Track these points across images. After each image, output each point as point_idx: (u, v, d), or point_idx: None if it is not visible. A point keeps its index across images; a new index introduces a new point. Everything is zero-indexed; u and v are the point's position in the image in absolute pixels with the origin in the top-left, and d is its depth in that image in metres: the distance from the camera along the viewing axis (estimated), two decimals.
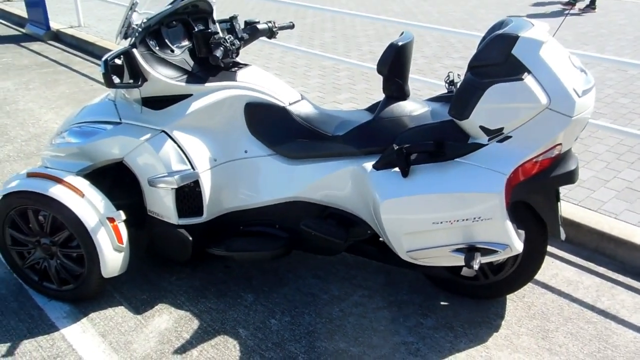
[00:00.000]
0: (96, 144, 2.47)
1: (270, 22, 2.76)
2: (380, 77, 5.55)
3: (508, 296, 2.59)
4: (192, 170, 2.39)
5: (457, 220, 2.04)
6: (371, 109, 2.58)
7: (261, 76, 2.56)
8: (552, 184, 2.14)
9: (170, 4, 2.62)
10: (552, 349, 2.28)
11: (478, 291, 2.53)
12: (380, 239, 2.54)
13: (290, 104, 2.49)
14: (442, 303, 2.55)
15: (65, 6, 9.03)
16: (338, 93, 5.17)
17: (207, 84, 2.44)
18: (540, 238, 2.33)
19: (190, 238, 2.45)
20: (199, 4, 2.61)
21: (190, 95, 2.44)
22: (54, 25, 7.59)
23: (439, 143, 2.09)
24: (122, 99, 2.54)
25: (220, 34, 2.39)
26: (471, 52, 6.65)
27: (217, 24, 2.72)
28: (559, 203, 2.27)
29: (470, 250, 2.09)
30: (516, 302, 2.55)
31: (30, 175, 2.34)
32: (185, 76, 2.44)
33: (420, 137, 2.17)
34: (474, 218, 2.02)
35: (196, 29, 2.59)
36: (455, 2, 10.19)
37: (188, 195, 2.44)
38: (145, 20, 2.43)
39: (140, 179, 2.46)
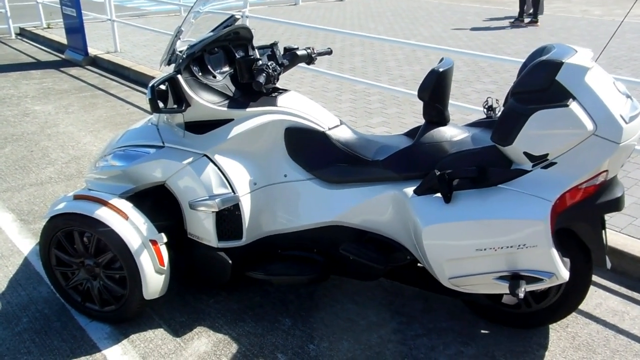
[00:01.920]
0: (139, 167, 2.52)
1: (309, 48, 2.81)
2: (411, 101, 5.58)
3: (550, 325, 2.53)
4: (232, 193, 2.42)
5: (501, 247, 2.02)
6: (410, 134, 2.59)
7: (301, 101, 2.59)
8: (598, 211, 2.10)
9: (212, 31, 2.69)
10: None
11: (519, 320, 2.48)
12: (419, 264, 2.52)
13: (329, 129, 2.52)
14: (482, 331, 2.50)
15: (102, 32, 9.33)
16: (370, 117, 5.20)
17: (248, 109, 2.48)
18: (585, 266, 2.28)
19: (230, 261, 2.47)
20: (239, 31, 2.68)
21: (232, 120, 2.49)
22: (92, 50, 7.84)
23: (482, 169, 2.08)
24: (164, 124, 2.60)
25: (262, 61, 2.44)
26: (501, 75, 6.63)
27: (256, 50, 2.79)
28: (604, 231, 2.23)
29: (514, 278, 2.06)
30: (559, 332, 2.49)
31: (77, 197, 2.40)
32: (226, 101, 2.49)
33: (462, 162, 2.16)
34: (519, 245, 2.00)
35: (237, 56, 2.65)
36: (483, 26, 10.19)
37: (228, 219, 2.46)
38: (188, 47, 2.50)
39: (181, 202, 2.50)
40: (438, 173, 2.10)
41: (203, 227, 2.48)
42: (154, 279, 2.36)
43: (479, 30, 9.74)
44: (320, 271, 2.50)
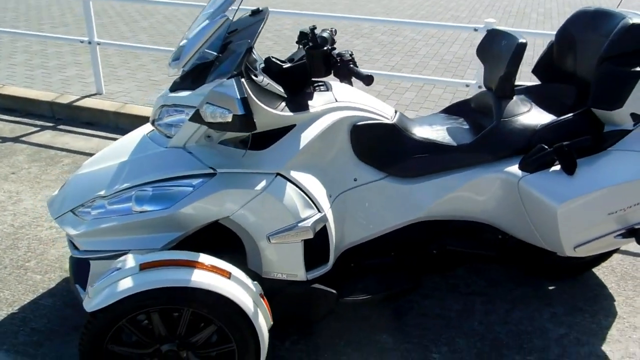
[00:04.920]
0: (190, 207, 1.91)
1: (327, 29, 2.44)
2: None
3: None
4: (320, 213, 2.02)
5: (629, 206, 2.11)
6: (454, 111, 2.51)
7: (355, 92, 2.26)
8: None
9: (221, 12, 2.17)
10: None
11: (576, 269, 2.66)
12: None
13: (393, 119, 2.26)
14: (550, 288, 2.61)
15: None
16: None
17: (311, 111, 2.07)
18: None
19: (334, 291, 2.08)
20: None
21: (293, 125, 2.05)
22: None
23: (596, 135, 2.12)
24: (197, 144, 2.01)
25: (336, 50, 2.04)
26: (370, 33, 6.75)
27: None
28: None
29: (631, 232, 2.18)
30: (601, 271, 2.75)
31: (145, 266, 1.70)
32: (283, 104, 2.04)
33: (564, 132, 2.18)
34: None
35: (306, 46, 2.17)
36: None
37: (311, 244, 2.05)
38: (240, 43, 1.96)
39: (254, 237, 1.99)
40: (555, 146, 2.08)
41: (288, 261, 2.02)
42: (266, 342, 1.85)
43: None
44: (417, 276, 2.28)
